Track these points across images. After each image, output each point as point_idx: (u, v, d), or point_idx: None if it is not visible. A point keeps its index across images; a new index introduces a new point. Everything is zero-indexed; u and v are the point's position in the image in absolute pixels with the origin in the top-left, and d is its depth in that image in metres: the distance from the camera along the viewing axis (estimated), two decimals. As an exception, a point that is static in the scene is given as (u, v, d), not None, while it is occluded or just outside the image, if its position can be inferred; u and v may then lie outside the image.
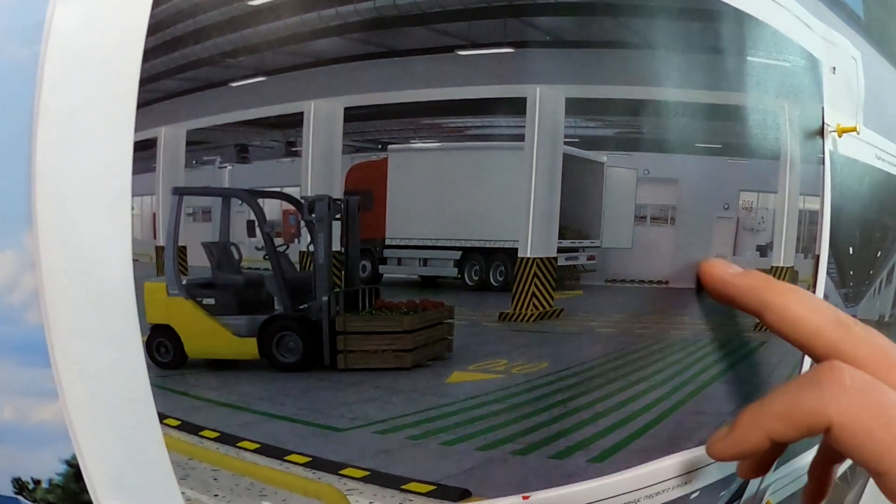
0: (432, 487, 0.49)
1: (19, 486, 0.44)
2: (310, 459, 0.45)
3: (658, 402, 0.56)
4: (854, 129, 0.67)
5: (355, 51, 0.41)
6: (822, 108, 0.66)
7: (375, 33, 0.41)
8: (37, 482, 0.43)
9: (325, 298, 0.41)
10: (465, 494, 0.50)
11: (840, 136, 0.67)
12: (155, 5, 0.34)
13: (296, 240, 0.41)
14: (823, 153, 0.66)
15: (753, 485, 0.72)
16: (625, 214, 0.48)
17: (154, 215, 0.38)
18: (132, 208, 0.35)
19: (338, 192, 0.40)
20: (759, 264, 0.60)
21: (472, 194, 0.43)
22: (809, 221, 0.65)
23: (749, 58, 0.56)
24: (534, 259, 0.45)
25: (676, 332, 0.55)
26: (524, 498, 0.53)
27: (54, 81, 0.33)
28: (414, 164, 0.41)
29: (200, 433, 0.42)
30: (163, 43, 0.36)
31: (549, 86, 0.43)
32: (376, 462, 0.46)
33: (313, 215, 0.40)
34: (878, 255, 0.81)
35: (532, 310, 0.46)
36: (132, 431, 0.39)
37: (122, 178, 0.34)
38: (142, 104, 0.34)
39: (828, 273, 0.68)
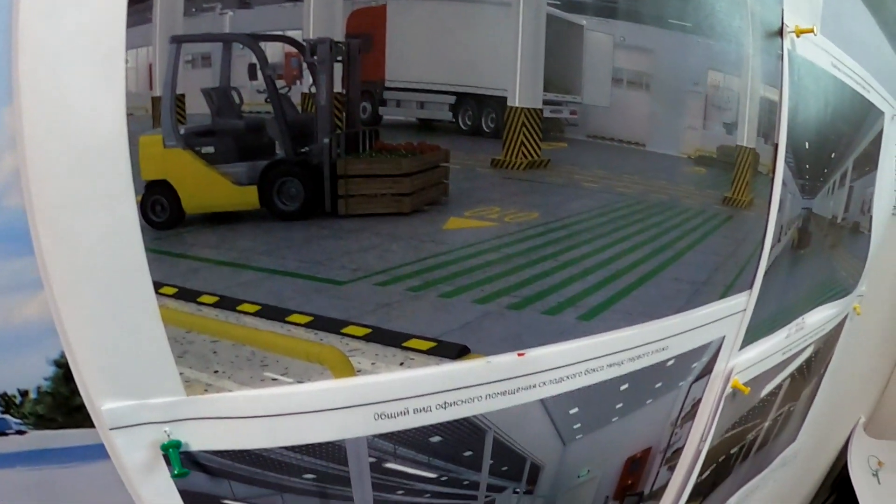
0: (433, 345, 0.52)
1: (5, 402, 0.40)
2: (311, 319, 0.46)
3: (640, 263, 0.61)
4: (811, 31, 0.72)
5: None
6: (782, 10, 0.70)
7: None
8: (24, 394, 0.40)
9: (326, 141, 0.43)
10: (464, 351, 0.53)
11: (798, 37, 0.72)
12: None
13: (298, 82, 0.43)
14: (782, 50, 0.71)
15: (721, 362, 0.79)
16: (603, 75, 0.52)
17: (150, 66, 0.38)
18: (126, 61, 0.33)
19: (339, 36, 0.42)
20: (726, 140, 0.65)
21: (466, 44, 0.45)
22: (769, 111, 0.70)
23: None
24: (522, 109, 0.48)
25: (655, 196, 0.60)
26: (519, 355, 0.57)
27: None
28: (412, 11, 0.44)
29: (199, 299, 0.41)
30: None
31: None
32: (377, 318, 0.48)
33: (315, 57, 0.41)
34: (833, 156, 0.88)
35: (521, 158, 0.49)
36: (126, 309, 0.37)
37: (115, 31, 0.32)
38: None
39: (786, 162, 0.74)
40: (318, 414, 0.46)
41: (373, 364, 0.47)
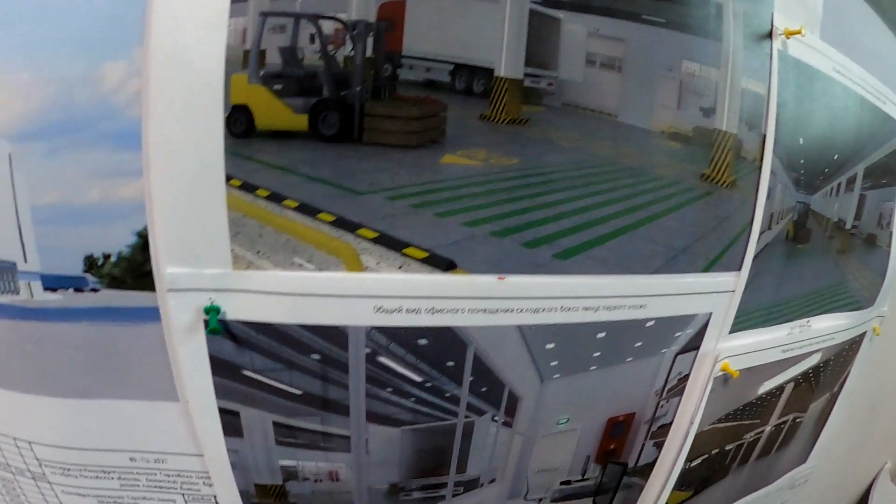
0: (426, 255, 0.63)
1: (89, 263, 0.48)
2: (335, 219, 0.60)
3: (613, 217, 0.68)
4: (798, 32, 0.79)
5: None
6: (772, 14, 0.78)
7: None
8: (106, 257, 0.47)
9: (358, 88, 0.60)
10: (452, 266, 0.64)
11: (788, 38, 0.79)
12: None
13: (342, 47, 0.61)
14: (771, 50, 0.78)
15: (710, 341, 0.80)
16: (578, 56, 0.65)
17: (244, 30, 0.57)
18: (228, 25, 0.49)
19: (372, 18, 0.60)
20: (703, 123, 0.73)
21: (463, 28, 0.61)
22: (755, 102, 0.77)
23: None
24: (505, 78, 0.62)
25: (627, 161, 0.68)
26: (500, 279, 0.66)
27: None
28: (424, 4, 0.61)
29: (255, 192, 0.57)
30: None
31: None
32: (384, 224, 0.61)
33: (354, 32, 0.60)
34: (836, 157, 0.90)
35: (504, 115, 0.63)
36: (202, 193, 0.47)
37: (220, 5, 0.46)
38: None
39: (776, 153, 0.79)
40: (330, 298, 0.59)
41: (377, 264, 0.61)
